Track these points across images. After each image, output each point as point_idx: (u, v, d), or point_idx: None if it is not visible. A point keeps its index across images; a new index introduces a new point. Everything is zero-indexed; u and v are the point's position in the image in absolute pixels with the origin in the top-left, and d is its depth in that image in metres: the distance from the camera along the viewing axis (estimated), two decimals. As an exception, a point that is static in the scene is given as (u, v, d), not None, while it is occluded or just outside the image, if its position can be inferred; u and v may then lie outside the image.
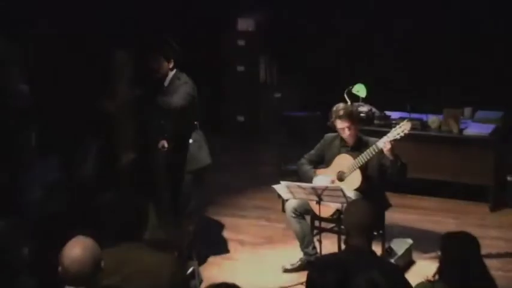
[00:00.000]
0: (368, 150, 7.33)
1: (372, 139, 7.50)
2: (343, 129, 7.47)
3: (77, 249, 4.37)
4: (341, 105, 7.65)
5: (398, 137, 7.27)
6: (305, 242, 7.68)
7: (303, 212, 7.65)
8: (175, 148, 7.87)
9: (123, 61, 8.21)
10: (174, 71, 7.81)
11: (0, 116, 8.03)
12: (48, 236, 5.99)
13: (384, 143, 7.23)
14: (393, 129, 7.35)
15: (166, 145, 7.88)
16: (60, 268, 4.41)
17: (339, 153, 7.60)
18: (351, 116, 7.51)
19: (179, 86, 7.71)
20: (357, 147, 7.53)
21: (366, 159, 7.37)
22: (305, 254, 7.71)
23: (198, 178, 7.89)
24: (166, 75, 7.81)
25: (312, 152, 7.84)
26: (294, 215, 7.63)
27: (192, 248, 7.74)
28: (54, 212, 6.24)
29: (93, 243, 4.48)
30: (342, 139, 7.62)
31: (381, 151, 7.29)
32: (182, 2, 11.83)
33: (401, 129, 7.27)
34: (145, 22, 11.05)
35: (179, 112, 7.64)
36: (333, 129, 7.70)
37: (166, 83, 7.82)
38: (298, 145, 9.23)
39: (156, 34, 9.91)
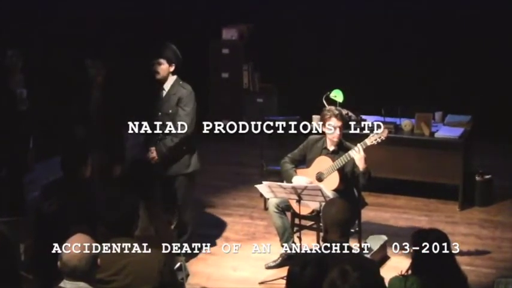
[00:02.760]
0: (346, 154, 7.37)
1: (352, 145, 7.53)
2: (335, 127, 7.49)
3: (76, 245, 4.44)
4: (333, 106, 7.71)
5: (375, 142, 7.36)
6: (285, 237, 7.69)
7: (284, 208, 7.68)
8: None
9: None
10: (175, 77, 7.76)
11: (6, 119, 8.02)
12: (46, 234, 5.97)
13: (358, 149, 7.28)
14: (371, 135, 7.42)
15: (155, 157, 7.86)
16: (59, 262, 4.47)
17: (320, 154, 7.63)
18: (344, 118, 7.60)
19: (187, 100, 7.69)
20: (337, 150, 7.57)
21: (343, 163, 7.41)
22: (285, 248, 7.72)
23: (190, 181, 7.90)
24: (166, 78, 7.76)
25: (295, 151, 7.85)
26: (276, 210, 7.65)
27: (181, 244, 7.73)
28: (53, 211, 6.20)
29: (91, 241, 4.53)
30: (325, 141, 7.65)
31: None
32: (171, 12, 11.85)
33: (379, 135, 7.36)
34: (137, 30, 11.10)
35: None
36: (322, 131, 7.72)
37: (167, 87, 7.75)
38: (278, 147, 9.25)
39: (159, 38, 9.90)
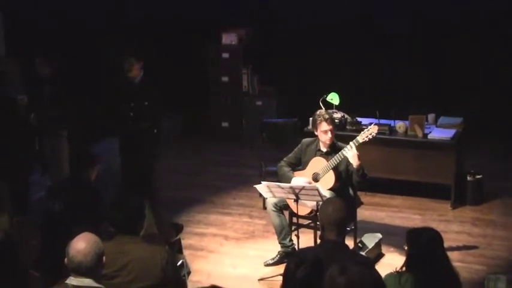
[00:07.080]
0: (340, 153, 7.40)
1: (344, 145, 7.56)
2: (326, 131, 7.52)
3: (81, 243, 4.52)
4: (323, 110, 7.73)
5: (366, 139, 7.40)
6: (282, 235, 7.72)
7: (282, 207, 7.70)
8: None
9: None
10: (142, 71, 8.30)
11: (7, 123, 8.02)
12: (53, 233, 6.00)
13: (351, 147, 7.31)
14: (362, 132, 7.46)
15: None
16: (66, 258, 4.54)
17: (315, 156, 7.66)
18: (334, 121, 7.63)
19: (154, 100, 8.23)
20: (331, 151, 7.59)
21: (337, 162, 7.43)
22: (282, 246, 7.74)
23: None
24: (138, 74, 8.26)
25: (291, 155, 7.87)
26: (274, 209, 7.67)
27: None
28: (58, 211, 6.24)
29: (97, 239, 4.61)
30: (318, 144, 7.68)
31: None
32: (172, 18, 11.87)
33: (369, 132, 7.41)
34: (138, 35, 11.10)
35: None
36: (312, 134, 7.75)
37: (137, 80, 8.30)
38: (277, 149, 9.27)
39: (128, 36, 10.00)
